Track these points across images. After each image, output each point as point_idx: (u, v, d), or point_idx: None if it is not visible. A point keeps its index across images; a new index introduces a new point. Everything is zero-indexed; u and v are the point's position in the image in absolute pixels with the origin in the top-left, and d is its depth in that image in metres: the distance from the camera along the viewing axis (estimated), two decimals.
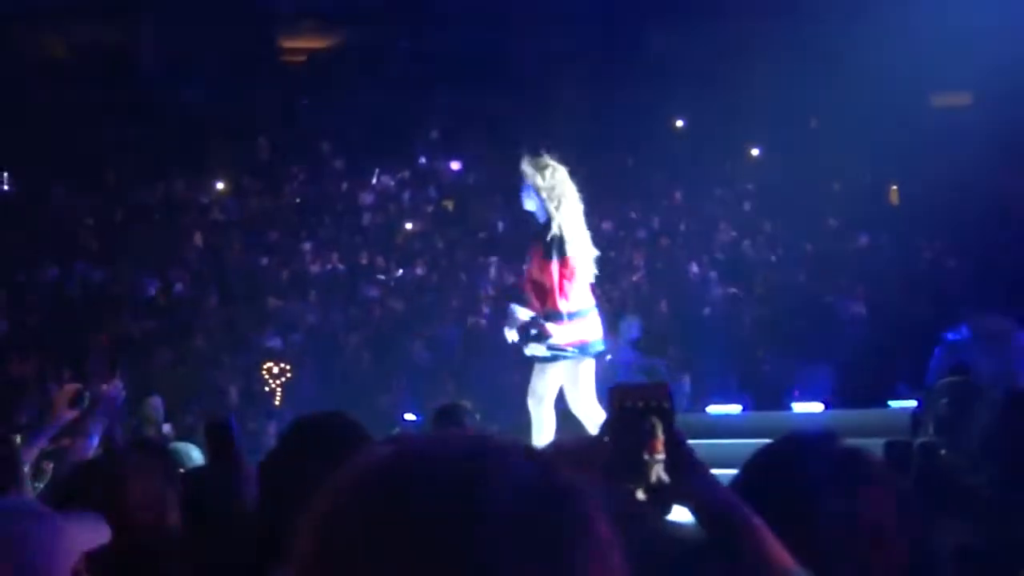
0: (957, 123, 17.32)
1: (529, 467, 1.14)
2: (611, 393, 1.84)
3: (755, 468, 1.81)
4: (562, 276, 7.86)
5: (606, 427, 1.83)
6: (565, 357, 7.89)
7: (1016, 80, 15.22)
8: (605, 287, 17.35)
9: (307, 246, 17.43)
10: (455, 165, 20.33)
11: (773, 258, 16.72)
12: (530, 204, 8.01)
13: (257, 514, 3.05)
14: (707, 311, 15.00)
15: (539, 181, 7.89)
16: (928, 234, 15.78)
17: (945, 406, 6.03)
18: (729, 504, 1.67)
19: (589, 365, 7.96)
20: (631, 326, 13.68)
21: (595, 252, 7.99)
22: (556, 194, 7.87)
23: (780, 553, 1.61)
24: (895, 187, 18.78)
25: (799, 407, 11.65)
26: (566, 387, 7.98)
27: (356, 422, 3.22)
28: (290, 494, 2.50)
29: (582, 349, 7.90)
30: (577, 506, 1.14)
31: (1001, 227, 15.06)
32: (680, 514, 1.76)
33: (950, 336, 11.14)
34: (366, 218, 18.63)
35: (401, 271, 17.10)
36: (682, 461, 1.73)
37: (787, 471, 1.77)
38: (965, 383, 7.05)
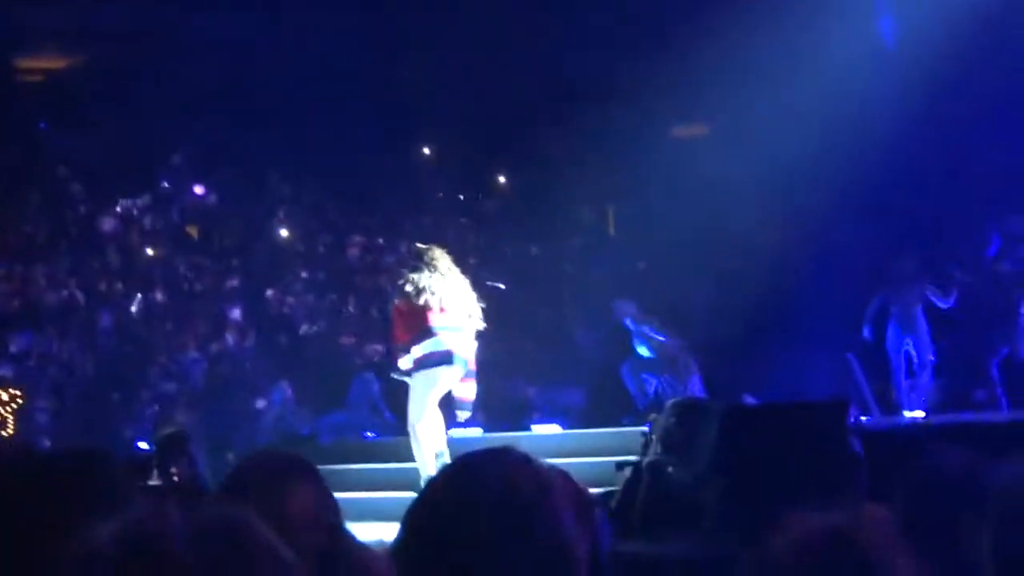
0: (694, 154, 17.86)
1: (208, 509, 1.20)
2: None
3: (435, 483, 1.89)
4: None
5: None
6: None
7: (750, 113, 15.84)
8: (353, 313, 17.40)
9: (41, 272, 16.80)
10: (199, 189, 19.93)
11: (516, 284, 16.93)
12: None
13: None
14: None
15: None
16: (666, 262, 16.25)
17: (673, 424, 6.22)
18: None
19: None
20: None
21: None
22: None
23: None
24: (630, 216, 19.18)
25: (538, 428, 11.90)
26: None
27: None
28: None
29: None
30: (246, 539, 1.18)
31: (734, 256, 15.66)
32: None
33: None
34: (105, 243, 18.07)
35: (141, 297, 16.65)
36: None
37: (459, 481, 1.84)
38: (691, 402, 7.32)
